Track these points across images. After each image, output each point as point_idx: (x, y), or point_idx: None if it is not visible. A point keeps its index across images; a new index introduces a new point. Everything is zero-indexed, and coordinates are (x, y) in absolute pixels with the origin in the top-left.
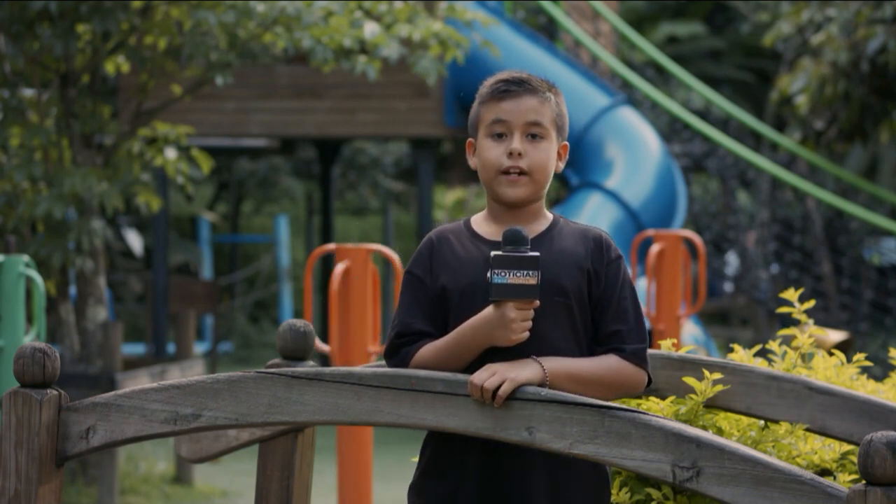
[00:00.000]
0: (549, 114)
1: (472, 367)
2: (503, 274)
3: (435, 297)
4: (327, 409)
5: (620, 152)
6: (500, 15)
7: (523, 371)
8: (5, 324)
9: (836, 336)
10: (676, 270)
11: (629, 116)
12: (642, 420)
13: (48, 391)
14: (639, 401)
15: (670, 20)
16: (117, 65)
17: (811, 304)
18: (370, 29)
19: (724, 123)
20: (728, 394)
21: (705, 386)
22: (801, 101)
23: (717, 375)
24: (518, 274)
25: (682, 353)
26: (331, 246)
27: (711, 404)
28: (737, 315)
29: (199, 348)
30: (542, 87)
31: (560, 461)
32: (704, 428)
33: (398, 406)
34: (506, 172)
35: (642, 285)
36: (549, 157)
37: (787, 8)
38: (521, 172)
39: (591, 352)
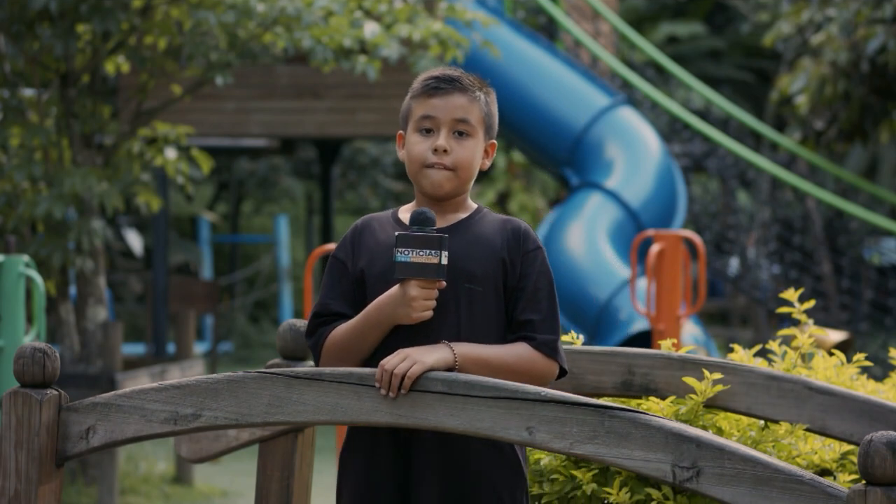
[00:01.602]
0: (478, 112)
1: (379, 349)
2: (406, 252)
3: (355, 280)
4: (327, 409)
5: (620, 152)
6: (500, 15)
7: (433, 354)
8: (5, 324)
9: (836, 336)
10: (676, 270)
11: (629, 116)
12: (642, 420)
13: (48, 391)
14: (639, 401)
15: (670, 20)
16: (117, 65)
17: (811, 304)
18: (370, 29)
19: (724, 123)
20: (728, 394)
21: (705, 386)
22: (801, 101)
23: (717, 375)
24: (421, 253)
25: (682, 353)
26: (331, 246)
27: (711, 404)
28: (737, 315)
29: (199, 348)
30: (472, 86)
31: (462, 444)
32: (704, 428)
33: (398, 406)
34: (430, 167)
35: (642, 285)
36: (474, 154)
37: (787, 8)
38: (445, 168)
39: (505, 340)
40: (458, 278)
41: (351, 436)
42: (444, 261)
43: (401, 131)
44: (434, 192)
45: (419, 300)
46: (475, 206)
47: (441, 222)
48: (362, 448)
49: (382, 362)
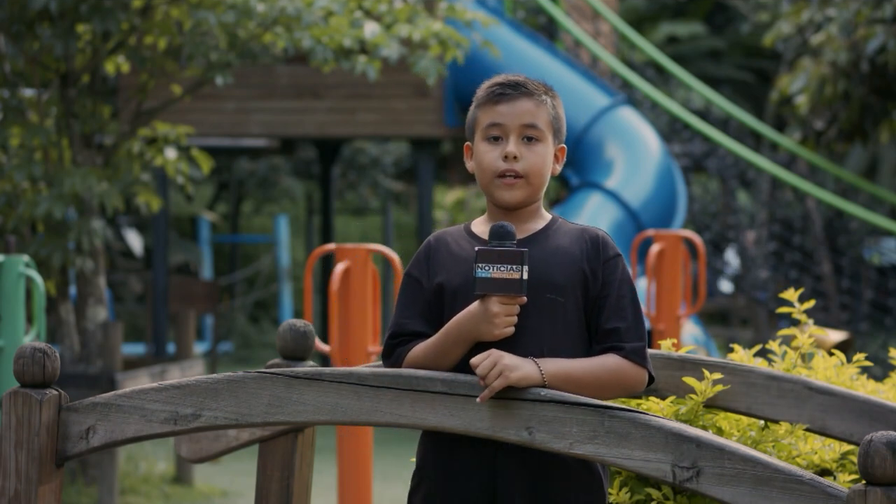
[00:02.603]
0: (545, 116)
1: (460, 366)
2: (487, 268)
3: (431, 296)
4: (327, 409)
5: (620, 152)
6: (500, 15)
7: (520, 371)
8: (5, 324)
9: (836, 336)
10: (676, 270)
11: (629, 116)
12: (642, 420)
13: (48, 391)
14: (639, 401)
15: (670, 20)
16: (117, 65)
17: (811, 304)
18: (370, 29)
19: (724, 123)
20: (728, 394)
21: (705, 386)
22: (801, 101)
23: (717, 375)
24: (502, 268)
25: (682, 353)
26: (331, 246)
27: (711, 404)
28: (737, 315)
29: (199, 348)
30: (538, 90)
31: (549, 461)
32: (704, 428)
33: (398, 406)
34: (502, 176)
35: (642, 285)
36: (545, 160)
37: (787, 8)
38: (517, 176)
39: (589, 351)
40: (540, 290)
41: (427, 443)
42: (525, 275)
43: (468, 143)
44: (507, 202)
45: (501, 316)
46: (550, 215)
47: (517, 233)
48: (442, 456)
49: (473, 360)
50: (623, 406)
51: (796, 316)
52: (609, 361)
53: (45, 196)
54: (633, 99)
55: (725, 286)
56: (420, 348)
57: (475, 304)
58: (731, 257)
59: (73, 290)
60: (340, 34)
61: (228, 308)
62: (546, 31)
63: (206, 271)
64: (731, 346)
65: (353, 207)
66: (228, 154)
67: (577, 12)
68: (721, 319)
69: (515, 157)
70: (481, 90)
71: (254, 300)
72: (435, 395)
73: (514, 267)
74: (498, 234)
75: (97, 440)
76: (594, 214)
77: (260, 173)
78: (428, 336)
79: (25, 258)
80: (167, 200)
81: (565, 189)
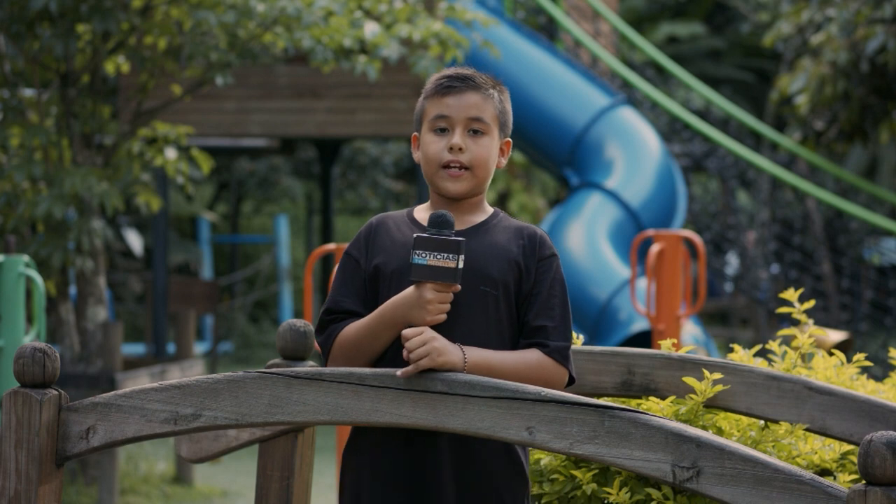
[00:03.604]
0: (492, 110)
1: (390, 349)
2: (424, 255)
3: (368, 278)
4: (327, 409)
5: (620, 152)
6: (500, 15)
7: (446, 355)
8: (5, 324)
9: (836, 336)
10: (676, 270)
11: (629, 116)
12: (642, 420)
13: (48, 391)
14: (639, 401)
15: (670, 20)
16: (117, 65)
17: (811, 304)
18: (370, 29)
19: (724, 123)
20: (728, 394)
21: (705, 386)
22: (801, 101)
23: (717, 375)
24: (439, 256)
25: (682, 353)
26: (331, 246)
27: (711, 404)
28: (737, 315)
29: (199, 348)
30: (486, 84)
31: (469, 447)
32: (704, 428)
33: (398, 406)
34: (447, 167)
35: (642, 285)
36: (490, 152)
37: (787, 8)
38: (462, 167)
39: (515, 346)
40: (474, 281)
41: (355, 436)
42: (461, 265)
43: (415, 133)
44: (452, 193)
45: (434, 303)
46: (492, 209)
47: (458, 224)
48: (368, 448)
49: (405, 332)
50: (623, 406)
51: (796, 316)
52: (531, 357)
53: (45, 196)
54: (633, 99)
55: (727, 287)
56: (352, 328)
57: (410, 290)
58: (731, 257)
59: (73, 290)
60: (340, 34)
61: (228, 308)
62: (546, 31)
63: (206, 271)
64: (731, 346)
65: (353, 207)
66: (228, 154)
67: (577, 12)
68: (721, 319)
69: (461, 149)
70: (430, 82)
71: (254, 300)
72: (435, 395)
73: (451, 256)
74: (437, 222)
75: (97, 440)
76: (594, 214)
77: (260, 173)
78: (361, 316)
79: (25, 258)
80: (167, 200)
81: (565, 189)
